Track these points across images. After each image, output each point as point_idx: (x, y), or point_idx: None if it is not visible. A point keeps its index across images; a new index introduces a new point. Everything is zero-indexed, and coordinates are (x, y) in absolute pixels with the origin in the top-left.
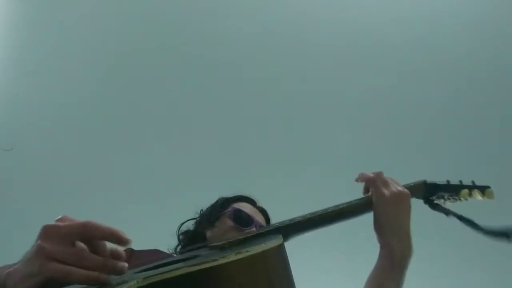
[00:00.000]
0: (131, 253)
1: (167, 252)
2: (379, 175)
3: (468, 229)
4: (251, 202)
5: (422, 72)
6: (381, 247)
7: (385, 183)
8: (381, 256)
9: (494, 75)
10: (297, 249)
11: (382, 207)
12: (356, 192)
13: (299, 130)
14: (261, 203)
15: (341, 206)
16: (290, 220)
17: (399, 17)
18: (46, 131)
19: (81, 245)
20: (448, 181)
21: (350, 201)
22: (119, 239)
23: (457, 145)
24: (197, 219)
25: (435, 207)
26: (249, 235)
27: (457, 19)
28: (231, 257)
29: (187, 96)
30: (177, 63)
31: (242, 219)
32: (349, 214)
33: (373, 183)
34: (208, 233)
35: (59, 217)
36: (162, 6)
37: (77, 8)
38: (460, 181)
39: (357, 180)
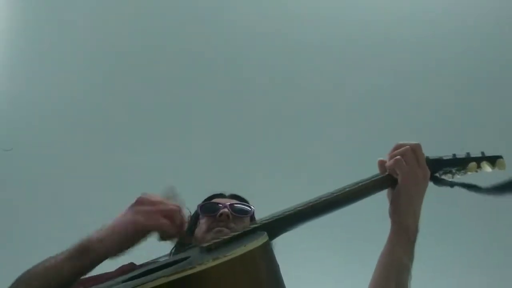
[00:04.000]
0: (132, 267)
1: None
2: (416, 151)
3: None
4: (219, 195)
5: (423, 71)
6: (395, 224)
7: (419, 161)
8: (396, 233)
9: (494, 74)
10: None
11: (410, 187)
12: None
13: (298, 130)
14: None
15: (338, 193)
16: (281, 213)
17: (399, 16)
18: (46, 131)
19: None
20: (454, 155)
21: (356, 184)
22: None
23: (458, 144)
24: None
25: (438, 182)
26: (235, 233)
27: (458, 18)
28: (209, 263)
29: (186, 96)
30: (177, 64)
31: (210, 208)
32: (354, 198)
33: (401, 161)
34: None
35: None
36: (162, 5)
37: (77, 8)
38: (468, 153)
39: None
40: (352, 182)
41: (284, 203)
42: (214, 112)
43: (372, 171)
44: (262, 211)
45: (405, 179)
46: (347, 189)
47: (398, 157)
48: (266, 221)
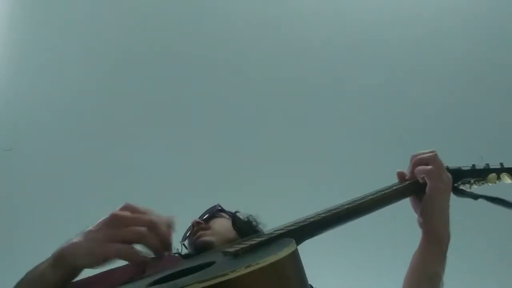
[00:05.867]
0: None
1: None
2: (436, 161)
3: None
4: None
5: (422, 70)
6: (428, 234)
7: (442, 170)
8: (429, 243)
9: (493, 73)
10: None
11: (439, 196)
12: (355, 192)
13: (297, 130)
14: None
15: (360, 201)
16: (304, 220)
17: (398, 16)
18: (46, 131)
19: None
20: (473, 165)
21: (377, 192)
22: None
23: (457, 143)
24: None
25: (460, 193)
26: (262, 239)
27: (456, 18)
28: (241, 270)
29: (185, 97)
30: (176, 64)
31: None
32: (375, 206)
33: (431, 174)
34: None
35: (123, 205)
36: (162, 5)
37: (77, 8)
38: (487, 164)
39: (414, 167)
40: (351, 182)
41: (284, 204)
42: (213, 113)
43: (372, 171)
44: (262, 211)
45: (435, 186)
46: (370, 197)
47: (429, 167)
48: (291, 228)
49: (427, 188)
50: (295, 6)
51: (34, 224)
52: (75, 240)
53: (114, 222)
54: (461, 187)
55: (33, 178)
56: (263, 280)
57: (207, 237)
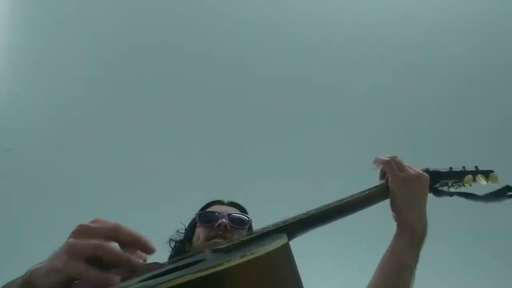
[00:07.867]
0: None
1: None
2: (393, 157)
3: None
4: (218, 202)
5: (423, 71)
6: (400, 226)
7: (399, 165)
8: (400, 234)
9: (493, 74)
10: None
11: (398, 187)
12: (355, 191)
13: (297, 130)
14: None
15: (346, 200)
16: (293, 218)
17: (398, 16)
18: (46, 131)
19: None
20: (450, 168)
21: (362, 192)
22: (144, 247)
23: (457, 143)
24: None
25: (438, 193)
26: (253, 235)
27: (456, 18)
28: (236, 260)
29: (185, 97)
30: (176, 64)
31: (207, 218)
32: (360, 205)
33: (387, 165)
34: (189, 249)
35: (92, 219)
36: (165, 6)
37: (77, 8)
38: (463, 167)
39: (373, 164)
40: (352, 183)
41: (284, 204)
42: (213, 113)
43: (372, 172)
44: (261, 211)
45: (394, 175)
46: (355, 197)
47: (387, 158)
48: (281, 225)
49: (389, 179)
50: (295, 6)
51: (34, 224)
52: (43, 262)
53: (77, 232)
54: (440, 188)
55: (33, 178)
56: (257, 269)
57: None
